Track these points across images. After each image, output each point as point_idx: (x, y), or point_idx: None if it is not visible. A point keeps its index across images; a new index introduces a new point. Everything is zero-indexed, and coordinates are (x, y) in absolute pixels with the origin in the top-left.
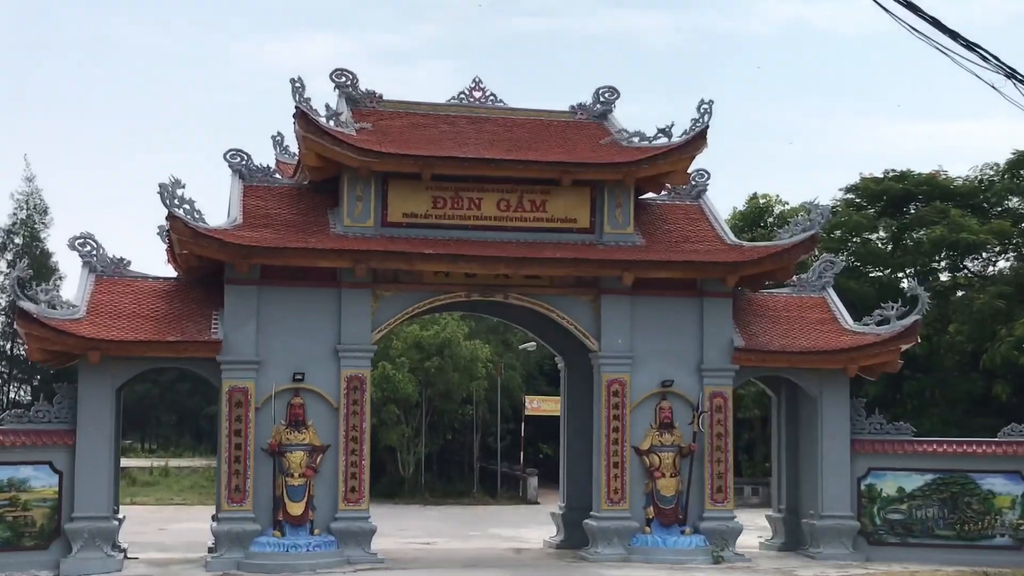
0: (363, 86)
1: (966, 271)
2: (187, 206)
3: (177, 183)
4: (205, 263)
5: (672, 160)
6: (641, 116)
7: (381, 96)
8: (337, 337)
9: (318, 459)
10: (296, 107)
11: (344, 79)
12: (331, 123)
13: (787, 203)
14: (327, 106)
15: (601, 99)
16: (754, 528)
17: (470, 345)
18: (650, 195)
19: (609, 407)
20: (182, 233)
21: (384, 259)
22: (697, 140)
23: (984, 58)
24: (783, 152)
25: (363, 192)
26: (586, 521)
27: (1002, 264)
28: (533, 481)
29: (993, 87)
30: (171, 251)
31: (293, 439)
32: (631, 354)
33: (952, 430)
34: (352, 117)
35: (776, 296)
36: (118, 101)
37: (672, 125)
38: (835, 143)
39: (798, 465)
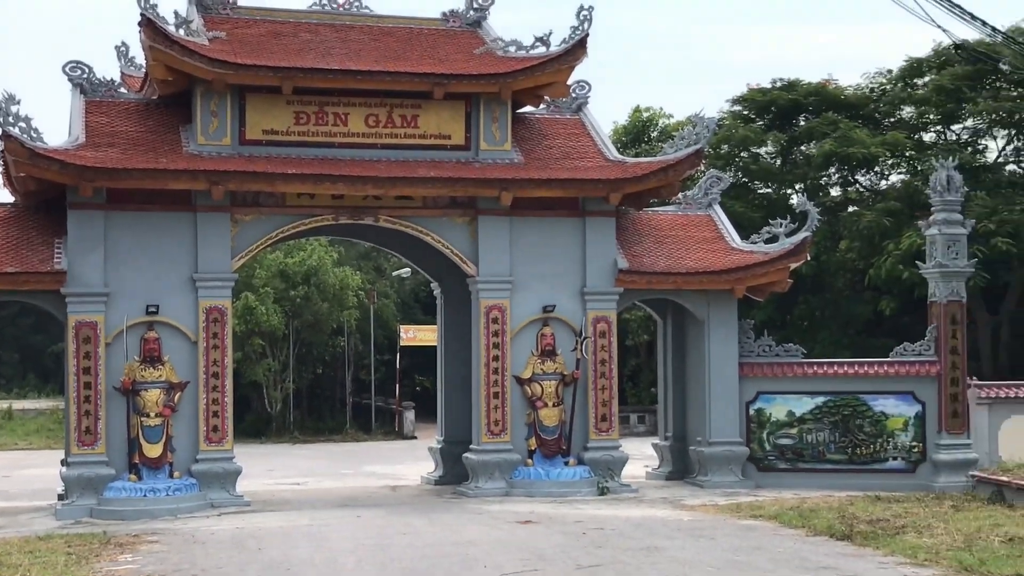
0: None
1: (858, 186)
2: (23, 124)
3: (11, 99)
4: (45, 186)
5: (551, 71)
6: (517, 24)
7: (235, 2)
8: (194, 265)
9: (176, 397)
10: (141, 14)
11: None
12: (181, 32)
13: (671, 116)
14: (176, 13)
15: (475, 5)
16: (641, 457)
17: (339, 272)
18: (528, 109)
19: (488, 335)
20: (18, 154)
21: (243, 180)
22: (576, 49)
23: None
24: (667, 62)
25: (218, 107)
26: (465, 455)
27: (895, 178)
28: (410, 415)
29: None
30: (6, 174)
31: (148, 376)
32: (510, 278)
33: (844, 351)
34: (204, 25)
35: (661, 215)
36: None
37: (550, 33)
38: (721, 51)
39: (685, 391)
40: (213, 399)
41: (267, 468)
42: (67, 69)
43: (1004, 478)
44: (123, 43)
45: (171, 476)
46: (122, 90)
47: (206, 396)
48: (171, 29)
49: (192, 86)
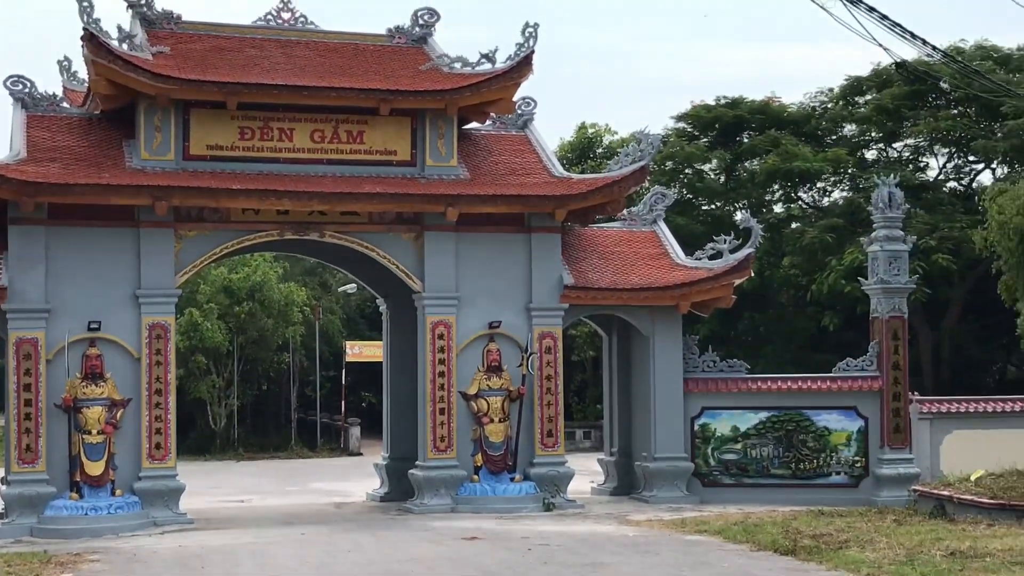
0: (159, 5)
1: (800, 202)
2: None
3: None
4: None
5: (497, 87)
6: (463, 40)
7: (180, 17)
8: (137, 281)
9: (118, 414)
10: (84, 28)
11: None
12: (124, 46)
13: (616, 133)
14: (119, 28)
15: (420, 22)
16: (586, 473)
17: (284, 288)
18: (474, 125)
19: (434, 351)
20: None
21: (186, 195)
22: (522, 66)
23: None
24: (613, 79)
25: (162, 122)
26: (411, 471)
27: (837, 195)
28: (355, 431)
29: (823, 7)
30: None
31: (90, 393)
32: (456, 294)
33: (788, 367)
34: (148, 40)
35: (606, 231)
36: None
37: (496, 50)
38: (666, 69)
39: (631, 407)
40: (156, 416)
41: (211, 485)
42: (8, 83)
43: (945, 492)
44: (66, 57)
45: (113, 494)
46: (64, 105)
47: (149, 413)
48: (114, 43)
49: (135, 101)
